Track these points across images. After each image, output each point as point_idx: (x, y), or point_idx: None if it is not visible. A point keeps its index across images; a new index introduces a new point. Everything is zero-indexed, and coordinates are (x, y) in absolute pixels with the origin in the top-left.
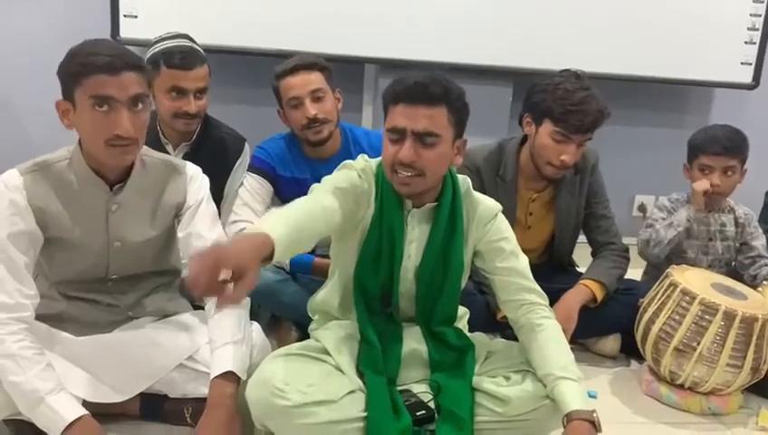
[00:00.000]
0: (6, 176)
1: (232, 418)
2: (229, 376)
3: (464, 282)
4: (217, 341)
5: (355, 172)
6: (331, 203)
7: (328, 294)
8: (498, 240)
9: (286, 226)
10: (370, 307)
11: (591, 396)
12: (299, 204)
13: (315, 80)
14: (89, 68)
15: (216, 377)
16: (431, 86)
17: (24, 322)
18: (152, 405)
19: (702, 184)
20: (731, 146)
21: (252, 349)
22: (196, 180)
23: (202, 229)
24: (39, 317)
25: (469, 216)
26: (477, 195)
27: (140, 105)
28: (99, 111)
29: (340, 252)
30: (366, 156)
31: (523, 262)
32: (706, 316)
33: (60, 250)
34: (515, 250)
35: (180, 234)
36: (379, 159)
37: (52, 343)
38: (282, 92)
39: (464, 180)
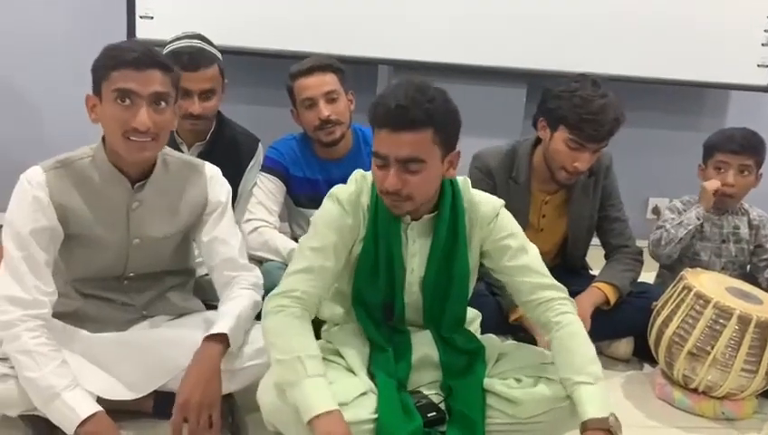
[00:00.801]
0: (30, 173)
1: (212, 376)
2: (221, 338)
3: (472, 285)
4: (224, 310)
5: (338, 206)
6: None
7: (328, 304)
8: (504, 237)
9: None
10: (374, 319)
11: None
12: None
13: (329, 81)
14: (117, 61)
15: (209, 335)
16: (412, 109)
17: (41, 318)
18: (165, 403)
19: (712, 183)
20: (747, 145)
21: (248, 335)
22: (217, 181)
23: (227, 235)
24: (55, 315)
25: (471, 218)
26: (479, 194)
27: (163, 104)
28: (120, 104)
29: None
30: (362, 171)
31: (534, 256)
32: (721, 320)
33: (79, 246)
34: (524, 245)
35: (205, 238)
36: None
37: (68, 340)
38: (296, 93)
39: (464, 181)
